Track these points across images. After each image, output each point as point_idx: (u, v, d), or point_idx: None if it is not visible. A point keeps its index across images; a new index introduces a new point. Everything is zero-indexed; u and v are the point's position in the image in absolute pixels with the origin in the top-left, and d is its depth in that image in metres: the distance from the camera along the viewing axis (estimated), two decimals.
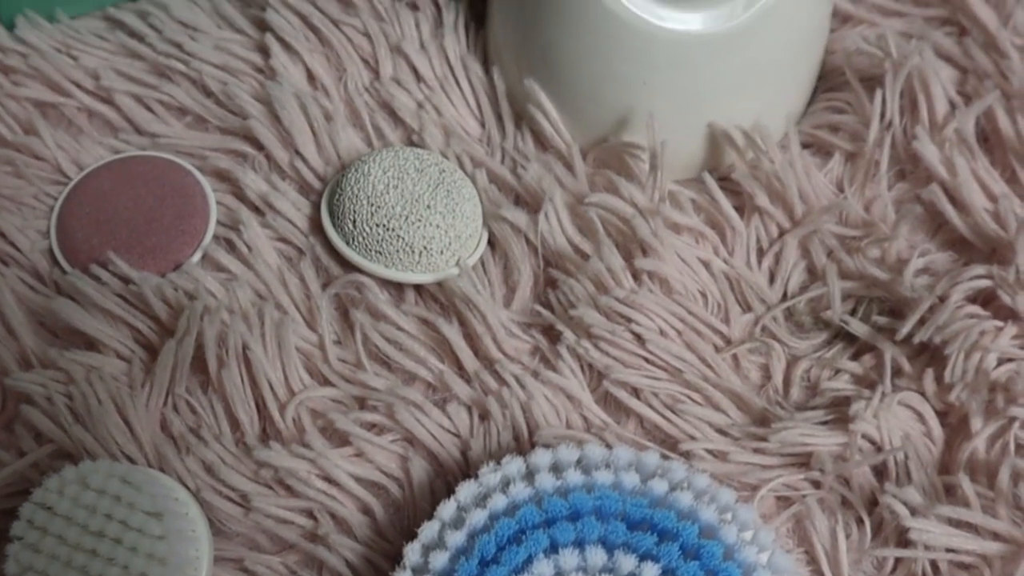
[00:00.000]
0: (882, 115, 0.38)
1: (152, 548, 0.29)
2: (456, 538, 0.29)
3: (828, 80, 0.41)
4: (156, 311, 0.34)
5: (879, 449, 0.34)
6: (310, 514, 0.33)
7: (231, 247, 0.36)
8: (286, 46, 0.38)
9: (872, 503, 0.34)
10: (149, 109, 0.38)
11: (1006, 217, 0.36)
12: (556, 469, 0.31)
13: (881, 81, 0.38)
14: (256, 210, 0.37)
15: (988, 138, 0.38)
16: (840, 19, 0.41)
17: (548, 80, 0.38)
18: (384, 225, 0.35)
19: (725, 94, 0.37)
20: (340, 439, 0.34)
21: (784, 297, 0.37)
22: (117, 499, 0.29)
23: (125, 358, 0.34)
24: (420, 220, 0.35)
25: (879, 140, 0.38)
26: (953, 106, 0.38)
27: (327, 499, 0.33)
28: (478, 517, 0.30)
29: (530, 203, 0.37)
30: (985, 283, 0.35)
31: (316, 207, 0.37)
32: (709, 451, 0.34)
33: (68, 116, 0.38)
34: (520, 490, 0.30)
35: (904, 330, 0.35)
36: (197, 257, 0.36)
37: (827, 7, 0.39)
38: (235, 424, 0.34)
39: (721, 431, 0.34)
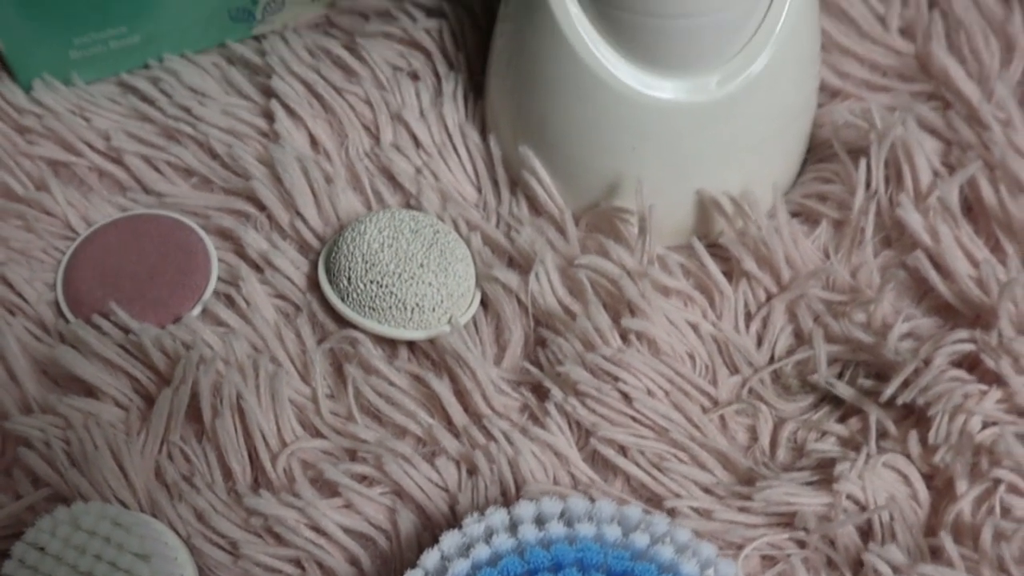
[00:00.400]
0: (868, 184, 0.39)
1: None
2: None
3: (817, 152, 0.42)
4: (155, 361, 0.35)
5: (864, 509, 0.34)
6: (298, 563, 0.34)
7: (230, 302, 0.37)
8: (290, 112, 0.40)
9: (857, 563, 0.34)
10: (157, 170, 0.40)
11: (988, 282, 0.37)
12: (539, 521, 0.32)
13: (867, 151, 0.40)
14: (256, 267, 0.38)
15: (972, 208, 0.40)
16: (828, 94, 0.43)
17: (542, 147, 0.39)
18: (378, 282, 0.36)
19: (713, 162, 0.39)
20: (330, 490, 0.35)
21: (771, 360, 0.38)
22: (107, 540, 0.30)
23: (123, 406, 0.35)
24: (413, 278, 0.36)
25: (864, 208, 0.39)
26: (937, 176, 0.40)
27: (315, 548, 0.33)
28: (461, 567, 0.30)
29: (523, 265, 0.39)
30: (969, 347, 0.36)
31: (314, 265, 0.38)
32: (694, 509, 0.34)
33: (79, 175, 0.40)
34: (503, 541, 0.31)
35: (888, 392, 0.36)
36: (197, 311, 0.37)
37: (813, 81, 0.40)
38: (227, 473, 0.35)
39: (706, 489, 0.35)
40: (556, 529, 0.31)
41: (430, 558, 0.31)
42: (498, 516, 0.31)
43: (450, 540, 0.31)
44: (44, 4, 0.38)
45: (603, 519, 0.32)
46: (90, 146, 0.40)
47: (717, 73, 0.37)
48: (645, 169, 0.38)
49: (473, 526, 0.31)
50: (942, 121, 0.41)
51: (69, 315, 0.37)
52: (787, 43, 0.37)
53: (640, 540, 0.31)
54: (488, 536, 0.31)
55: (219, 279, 0.38)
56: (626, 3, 0.35)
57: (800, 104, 0.40)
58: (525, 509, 0.31)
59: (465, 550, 0.31)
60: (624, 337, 0.37)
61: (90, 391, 0.35)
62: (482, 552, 0.31)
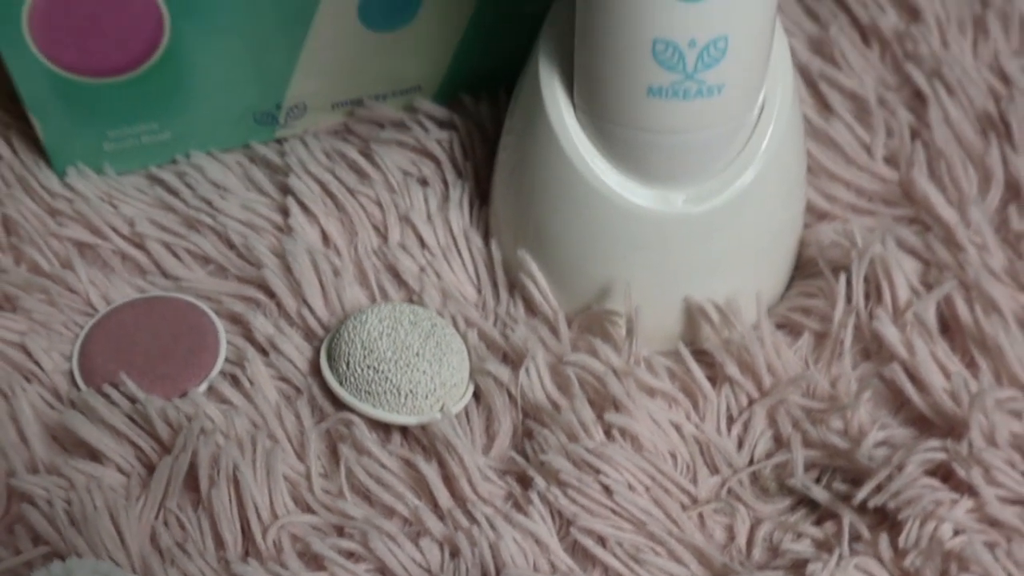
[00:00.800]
0: (848, 298, 0.42)
1: None
2: None
3: (804, 270, 0.45)
4: (158, 431, 0.37)
5: None
6: None
7: (235, 382, 0.40)
8: (305, 209, 0.43)
9: None
10: (176, 256, 0.43)
11: (960, 394, 0.39)
12: None
13: (849, 269, 0.42)
14: (262, 351, 0.41)
15: (949, 326, 0.42)
16: (816, 215, 0.46)
17: (539, 252, 0.42)
18: (374, 367, 0.39)
19: (700, 272, 0.41)
20: (316, 563, 0.36)
21: (751, 462, 0.40)
22: None
23: (125, 472, 0.37)
24: (408, 365, 0.39)
25: (844, 321, 0.41)
26: (916, 294, 0.42)
27: None
28: None
29: (515, 361, 0.41)
30: (941, 456, 0.38)
31: (317, 351, 0.41)
32: None
33: (103, 256, 0.43)
34: None
35: (861, 495, 0.37)
36: (203, 388, 0.39)
37: (799, 202, 0.43)
38: (219, 542, 0.36)
39: None
40: None
41: None
42: None
43: None
44: (83, 96, 0.42)
45: None
46: (115, 230, 0.43)
47: (705, 187, 0.40)
48: (635, 276, 0.41)
49: None
50: (921, 243, 0.43)
51: (82, 384, 0.39)
52: (772, 162, 0.40)
53: None
54: None
55: (226, 360, 0.40)
56: (618, 118, 0.38)
57: (785, 222, 0.43)
58: None
59: None
60: (608, 432, 0.39)
61: (95, 455, 0.37)
62: None
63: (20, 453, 0.37)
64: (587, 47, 0.38)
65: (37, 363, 0.40)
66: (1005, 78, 0.47)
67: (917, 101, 0.47)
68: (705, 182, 0.40)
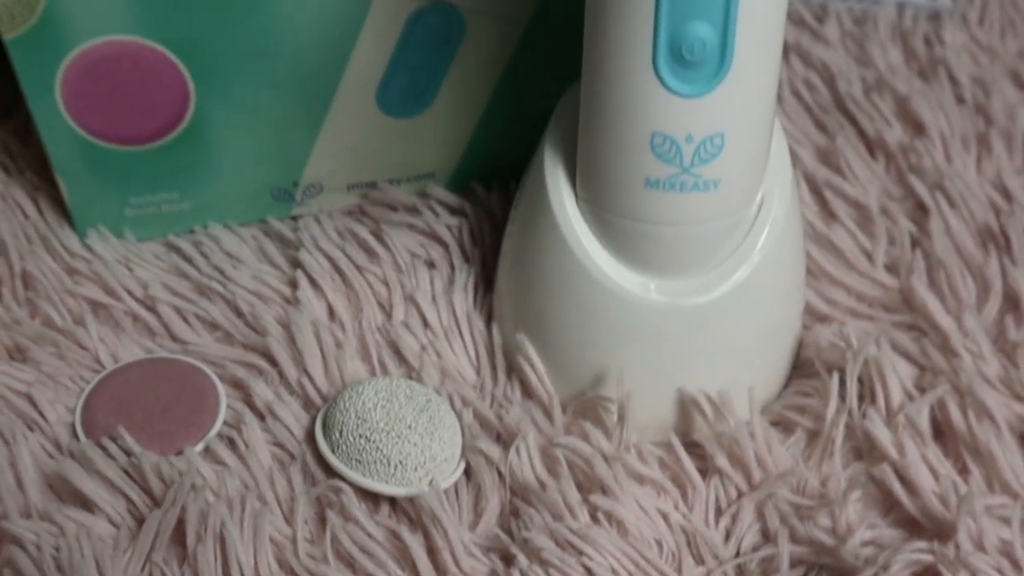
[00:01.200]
0: (842, 398, 0.42)
1: None
2: None
3: (802, 370, 0.45)
4: (151, 486, 0.39)
5: None
6: None
7: (231, 444, 0.41)
8: (313, 283, 0.45)
9: None
10: (186, 320, 0.45)
11: (948, 496, 0.39)
12: None
13: (844, 369, 0.43)
14: (260, 416, 0.42)
15: (942, 431, 0.42)
16: (816, 318, 0.47)
17: (538, 337, 0.43)
18: (366, 437, 0.40)
19: (694, 364, 0.42)
20: None
21: (737, 554, 0.40)
22: None
23: (115, 523, 0.38)
24: (399, 437, 0.40)
25: (836, 420, 0.42)
26: (909, 397, 0.43)
27: None
28: None
29: (508, 441, 0.42)
30: (927, 558, 0.38)
31: (314, 420, 0.42)
32: None
33: (115, 316, 0.45)
34: None
35: None
36: (200, 447, 0.41)
37: (796, 303, 0.44)
38: None
39: None
40: None
41: None
42: None
43: None
44: (108, 162, 0.44)
45: None
46: (129, 292, 0.45)
47: (701, 280, 0.41)
48: (629, 364, 0.42)
49: None
50: (917, 348, 0.44)
51: (82, 436, 0.41)
52: (768, 260, 0.41)
53: None
54: None
55: (225, 422, 0.42)
56: (617, 208, 0.40)
57: (781, 320, 0.44)
58: None
59: None
60: (593, 515, 0.39)
61: (87, 505, 0.39)
62: None
63: (15, 498, 0.39)
64: (589, 137, 0.40)
65: (41, 413, 0.41)
66: (1007, 194, 0.49)
67: (919, 212, 0.49)
68: (701, 275, 0.41)
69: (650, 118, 0.38)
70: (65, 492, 0.39)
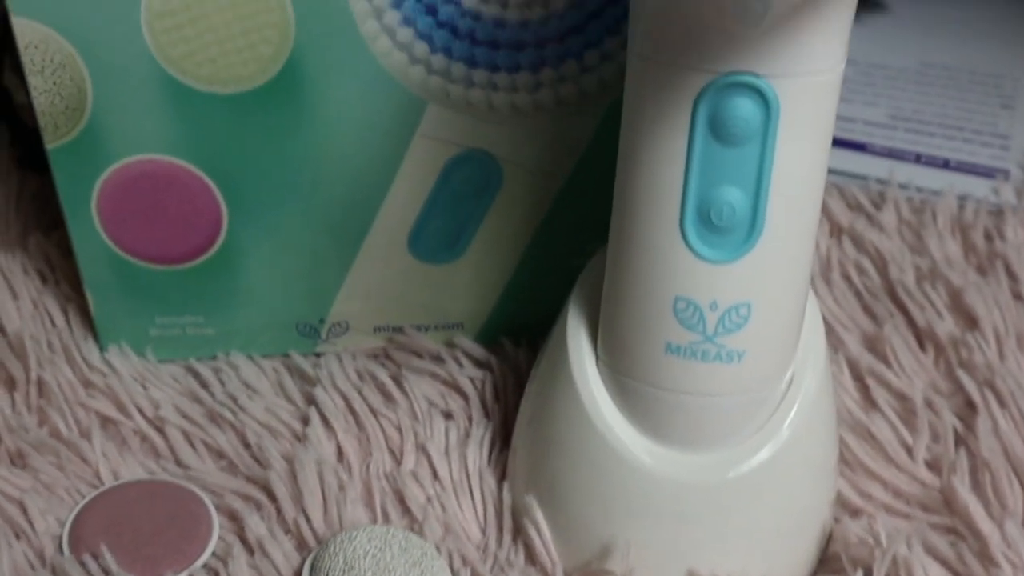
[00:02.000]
0: None
1: None
2: None
3: (828, 565, 0.43)
4: None
5: None
6: None
7: None
8: (325, 421, 0.45)
9: None
10: (192, 445, 0.45)
11: None
12: None
13: (871, 569, 0.41)
14: (250, 551, 0.41)
15: None
16: (849, 510, 0.45)
17: (549, 502, 0.42)
18: None
19: (709, 546, 0.41)
20: None
21: None
22: None
23: None
24: None
25: None
26: None
27: None
28: None
29: None
30: None
31: (303, 561, 0.41)
32: None
33: (123, 433, 0.45)
34: None
35: None
36: None
37: (825, 493, 0.42)
38: None
39: None
40: None
41: None
42: None
43: None
44: (137, 280, 0.45)
45: None
46: (140, 411, 0.46)
47: (718, 457, 0.40)
48: (638, 538, 0.41)
49: None
50: (953, 552, 0.42)
51: (67, 551, 0.40)
52: (794, 443, 0.40)
53: None
54: None
55: (213, 554, 0.41)
56: (637, 372, 0.39)
57: (807, 506, 0.42)
58: None
59: None
60: None
61: None
62: None
63: None
64: (612, 298, 0.39)
65: (31, 522, 0.41)
66: None
67: (967, 409, 0.47)
68: (723, 451, 0.40)
69: (674, 282, 0.37)
70: None
